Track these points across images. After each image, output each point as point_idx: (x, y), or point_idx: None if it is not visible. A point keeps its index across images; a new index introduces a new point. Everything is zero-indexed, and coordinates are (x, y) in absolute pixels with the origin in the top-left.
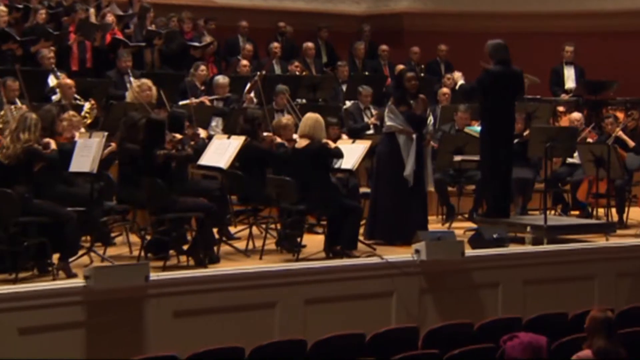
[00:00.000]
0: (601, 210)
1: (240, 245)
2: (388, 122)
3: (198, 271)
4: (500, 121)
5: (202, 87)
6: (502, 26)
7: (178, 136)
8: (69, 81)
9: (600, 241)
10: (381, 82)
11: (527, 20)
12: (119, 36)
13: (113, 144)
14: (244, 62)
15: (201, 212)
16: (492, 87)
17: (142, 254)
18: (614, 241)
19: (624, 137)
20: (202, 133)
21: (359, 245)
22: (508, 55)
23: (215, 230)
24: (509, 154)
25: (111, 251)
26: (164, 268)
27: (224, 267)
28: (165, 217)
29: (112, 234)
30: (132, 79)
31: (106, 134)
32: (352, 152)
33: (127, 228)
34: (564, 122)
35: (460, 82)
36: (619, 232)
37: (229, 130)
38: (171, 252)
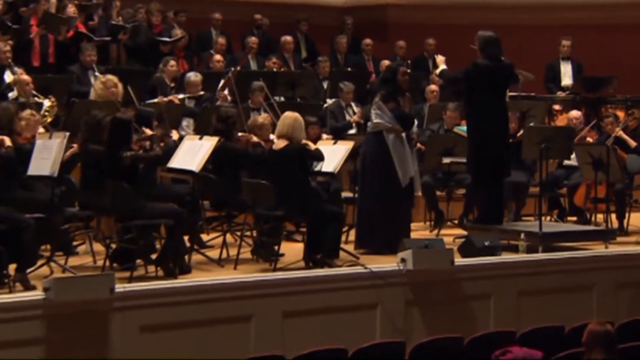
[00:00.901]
0: (600, 216)
1: (214, 254)
2: (375, 120)
3: (167, 282)
4: (490, 118)
5: (172, 85)
6: (494, 18)
7: (148, 132)
8: (26, 77)
9: (599, 249)
10: (364, 78)
11: (520, 12)
12: (82, 29)
13: (75, 145)
14: (218, 57)
15: (171, 218)
16: (480, 82)
17: (107, 264)
18: (614, 249)
19: (625, 137)
20: (173, 134)
21: (341, 253)
22: (500, 51)
23: (186, 238)
24: (501, 154)
25: (73, 261)
26: (131, 279)
27: (196, 278)
28: (132, 224)
29: (74, 243)
30: (97, 74)
31: (68, 134)
32: (333, 154)
33: (91, 236)
34: (560, 121)
35: (443, 66)
36: (619, 239)
37: (201, 131)
38: (138, 261)
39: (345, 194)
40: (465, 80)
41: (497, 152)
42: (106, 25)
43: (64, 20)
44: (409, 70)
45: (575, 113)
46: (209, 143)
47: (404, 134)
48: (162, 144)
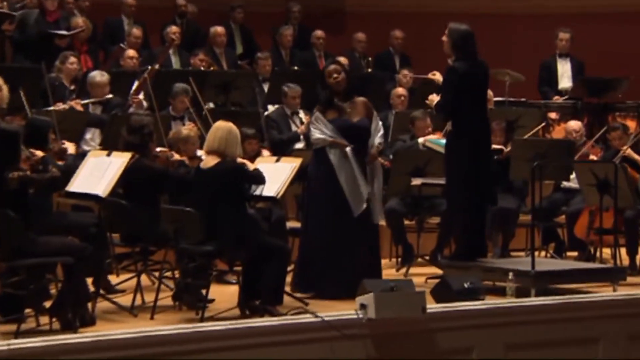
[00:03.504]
0: (607, 251)
1: (125, 300)
2: (315, 135)
3: (66, 337)
4: (471, 131)
5: (73, 87)
6: (475, 6)
7: (39, 153)
8: None
9: (606, 292)
10: (315, 79)
11: None
12: None
13: None
14: (130, 52)
15: (70, 255)
16: (459, 89)
17: None
18: (624, 292)
19: (635, 156)
20: (72, 148)
21: (285, 298)
22: (475, 48)
23: (89, 280)
24: (486, 174)
25: None
26: (18, 334)
27: (102, 331)
28: (19, 264)
29: None
30: None
31: None
32: (276, 174)
33: None
34: (557, 133)
35: (436, 99)
36: (630, 279)
37: (109, 145)
38: (28, 311)
39: (291, 224)
40: (452, 90)
41: (479, 172)
42: None
43: None
44: (337, 67)
45: (575, 123)
46: (120, 161)
47: (349, 149)
48: (59, 162)
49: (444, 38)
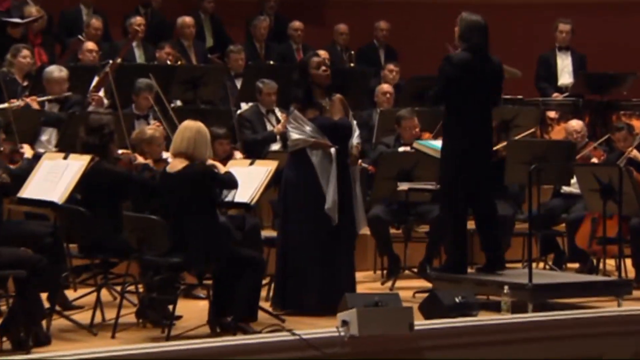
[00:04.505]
0: (611, 262)
1: (83, 317)
2: (294, 136)
3: (17, 358)
4: (471, 132)
5: (26, 83)
6: None
7: None
8: None
9: (610, 307)
10: (292, 74)
11: None
12: None
13: None
14: (90, 45)
15: (23, 268)
16: (459, 83)
17: None
18: (629, 307)
19: None
20: (29, 151)
21: (260, 315)
22: (485, 41)
23: (44, 295)
24: (483, 179)
25: None
26: None
27: (57, 351)
28: None
29: None
30: None
31: None
32: (249, 178)
33: None
34: (556, 133)
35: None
36: (635, 293)
37: (66, 146)
38: None
39: (266, 233)
40: (445, 81)
41: (476, 177)
42: None
43: None
44: (322, 59)
45: (576, 123)
46: (78, 164)
47: (333, 150)
48: (11, 166)
49: (456, 28)
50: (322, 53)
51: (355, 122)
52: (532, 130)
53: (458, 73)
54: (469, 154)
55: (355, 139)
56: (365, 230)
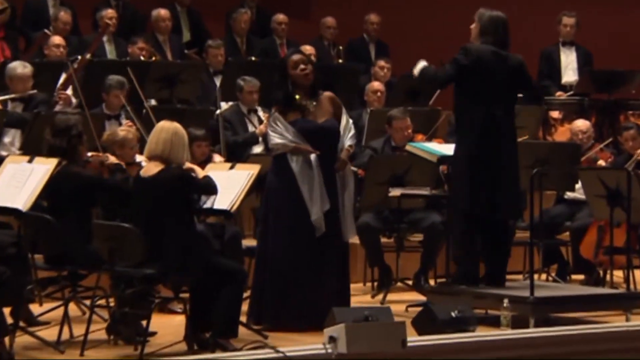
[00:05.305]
0: (618, 274)
1: (49, 334)
2: (274, 140)
3: None
4: (490, 131)
5: None
6: None
7: None
8: None
9: (617, 321)
10: (275, 71)
11: None
12: None
13: None
14: (57, 39)
15: None
16: (476, 76)
17: None
18: (638, 321)
19: None
20: None
21: (241, 330)
22: (507, 38)
23: (7, 310)
24: (492, 183)
25: None
26: None
27: None
28: None
29: None
30: None
31: None
32: (230, 183)
33: None
34: (560, 135)
35: (423, 63)
36: None
37: (31, 149)
38: None
39: (248, 243)
40: (455, 73)
41: (483, 180)
42: None
43: None
44: (303, 57)
45: (582, 123)
46: (44, 168)
47: (314, 156)
48: None
49: (473, 25)
50: (308, 49)
51: (351, 122)
52: (525, 137)
53: (471, 66)
54: (473, 151)
55: (348, 141)
56: (354, 240)
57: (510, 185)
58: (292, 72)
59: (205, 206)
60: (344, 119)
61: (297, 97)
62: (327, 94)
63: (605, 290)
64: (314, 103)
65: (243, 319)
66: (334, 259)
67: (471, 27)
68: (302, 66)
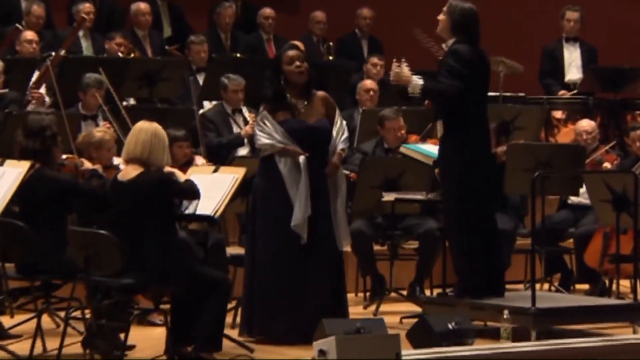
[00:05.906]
0: (625, 283)
1: (21, 347)
2: (262, 141)
3: None
4: (477, 133)
5: None
6: None
7: None
8: None
9: (624, 334)
10: (262, 69)
11: None
12: None
13: None
14: (29, 34)
15: None
16: (464, 79)
17: None
18: None
19: None
20: None
21: (225, 343)
22: (479, 31)
23: None
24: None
25: None
26: None
27: None
28: None
29: None
30: None
31: None
32: (213, 188)
33: None
34: (563, 136)
35: (417, 80)
36: None
37: (1, 151)
38: None
39: (232, 250)
40: (460, 83)
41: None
42: None
43: None
44: (298, 53)
45: (587, 123)
46: (15, 171)
47: (302, 158)
48: None
49: (441, 17)
50: (297, 43)
51: (344, 123)
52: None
53: (470, 71)
54: (478, 156)
55: (340, 144)
56: (346, 247)
57: None
58: (286, 68)
59: (187, 212)
60: (338, 120)
61: (287, 95)
62: (321, 93)
63: (611, 301)
64: (305, 103)
65: (227, 331)
66: (325, 267)
67: (439, 18)
68: (297, 63)
